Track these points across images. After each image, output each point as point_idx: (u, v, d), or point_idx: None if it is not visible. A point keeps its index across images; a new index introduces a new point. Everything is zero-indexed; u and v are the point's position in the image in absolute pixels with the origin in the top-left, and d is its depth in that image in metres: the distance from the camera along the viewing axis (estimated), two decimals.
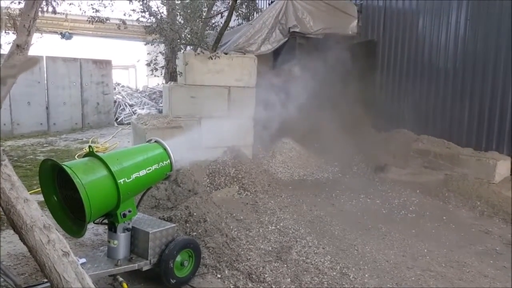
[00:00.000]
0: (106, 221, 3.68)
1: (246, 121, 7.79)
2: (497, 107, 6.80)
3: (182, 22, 8.07)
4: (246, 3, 9.52)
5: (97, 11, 8.60)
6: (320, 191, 7.08)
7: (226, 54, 7.76)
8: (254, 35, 8.16)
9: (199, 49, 7.48)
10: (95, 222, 3.55)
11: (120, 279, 3.59)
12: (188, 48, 8.22)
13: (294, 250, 4.60)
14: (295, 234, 5.10)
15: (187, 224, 4.88)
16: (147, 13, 7.78)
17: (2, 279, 2.87)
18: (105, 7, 9.05)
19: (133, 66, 31.53)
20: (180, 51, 7.86)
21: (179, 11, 8.11)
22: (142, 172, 3.60)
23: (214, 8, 9.66)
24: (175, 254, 3.76)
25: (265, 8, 10.58)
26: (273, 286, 3.88)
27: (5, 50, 3.36)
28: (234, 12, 8.27)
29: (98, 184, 3.25)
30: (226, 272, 4.10)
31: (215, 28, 9.70)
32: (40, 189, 3.45)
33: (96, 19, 8.51)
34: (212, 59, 7.38)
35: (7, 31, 7.84)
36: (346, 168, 8.33)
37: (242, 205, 6.13)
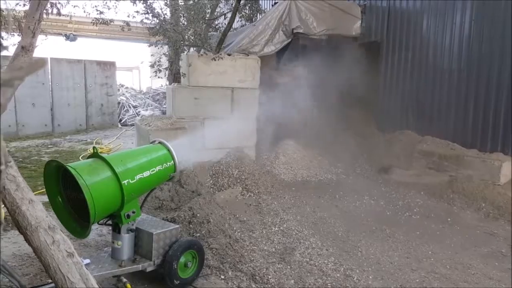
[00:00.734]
0: (110, 222, 3.69)
1: (249, 122, 7.79)
2: (502, 108, 6.76)
3: (185, 23, 8.10)
4: (249, 4, 9.53)
5: (101, 13, 8.65)
6: (323, 193, 7.07)
7: (229, 55, 7.77)
8: (258, 36, 8.16)
9: (202, 50, 7.50)
10: (99, 223, 3.56)
11: (124, 280, 3.59)
12: (192, 49, 8.24)
13: (297, 252, 4.59)
14: (299, 235, 5.09)
15: (191, 225, 4.88)
16: (150, 14, 7.82)
17: (7, 280, 2.88)
18: (109, 9, 9.10)
19: (137, 68, 31.60)
20: (184, 52, 7.88)
21: (183, 12, 8.14)
22: (146, 173, 3.61)
23: (218, 9, 9.68)
24: (178, 255, 3.76)
25: (268, 9, 10.58)
26: None
27: (11, 52, 3.38)
28: (237, 14, 8.28)
29: (102, 185, 3.26)
30: (230, 273, 4.10)
31: (218, 30, 9.71)
32: (44, 190, 3.46)
33: (100, 21, 8.56)
34: (215, 60, 7.39)
35: (12, 33, 7.89)
36: (349, 170, 8.31)
37: (246, 206, 6.12)
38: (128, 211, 3.57)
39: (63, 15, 7.80)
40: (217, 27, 9.98)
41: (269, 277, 4.02)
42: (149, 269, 3.70)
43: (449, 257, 4.71)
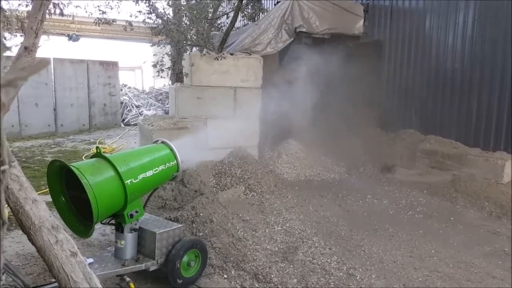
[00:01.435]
0: (113, 221, 3.70)
1: (252, 121, 7.79)
2: (505, 106, 6.73)
3: (188, 23, 8.10)
4: (251, 4, 9.53)
5: (103, 12, 8.66)
6: (326, 192, 7.06)
7: (232, 54, 7.77)
8: (260, 36, 8.15)
9: (205, 50, 7.50)
10: (102, 222, 3.57)
11: (127, 279, 3.61)
12: (194, 49, 8.24)
13: (300, 251, 4.59)
14: (302, 234, 5.09)
15: (194, 225, 4.89)
16: (153, 14, 7.83)
17: (11, 279, 2.90)
18: (111, 8, 9.12)
19: (140, 68, 31.66)
20: (186, 52, 7.89)
21: (185, 12, 8.14)
22: (149, 173, 3.62)
23: (220, 9, 9.68)
24: (181, 255, 3.77)
25: (271, 8, 10.58)
26: (280, 287, 3.87)
27: (14, 52, 3.39)
28: (240, 13, 8.28)
29: (105, 185, 3.27)
30: (233, 272, 4.10)
31: (221, 29, 9.71)
32: (48, 189, 3.47)
33: (103, 20, 8.57)
34: (218, 60, 7.39)
35: (15, 34, 7.92)
36: (352, 169, 8.30)
37: (248, 206, 6.12)
38: (131, 210, 3.58)
39: (66, 15, 7.83)
40: (219, 26, 9.99)
41: (272, 276, 4.02)
42: (152, 268, 3.71)
43: (452, 256, 4.70)
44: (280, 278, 4.00)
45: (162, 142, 4.04)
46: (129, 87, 23.40)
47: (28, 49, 3.05)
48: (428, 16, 8.07)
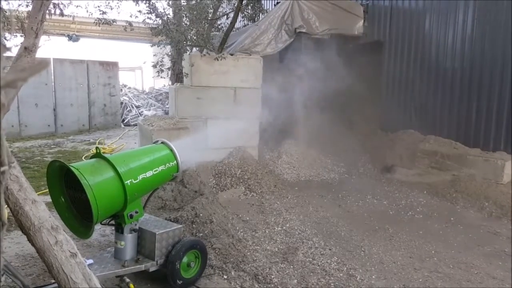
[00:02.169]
0: (113, 222, 3.69)
1: (252, 122, 7.79)
2: (505, 107, 6.73)
3: (188, 23, 8.10)
4: (251, 4, 9.53)
5: (103, 13, 8.66)
6: (326, 192, 7.06)
7: (232, 55, 7.77)
8: (260, 36, 8.15)
9: (205, 50, 7.50)
10: (102, 223, 3.56)
11: (127, 280, 3.60)
12: (194, 49, 8.24)
13: (300, 251, 4.59)
14: (302, 235, 5.09)
15: (194, 225, 4.89)
16: (153, 14, 7.82)
17: (10, 280, 2.89)
18: (111, 9, 9.12)
19: (140, 68, 31.68)
20: (186, 52, 7.88)
21: (185, 12, 8.14)
22: (149, 173, 3.61)
23: (220, 9, 9.68)
24: (181, 255, 3.76)
25: (270, 9, 10.58)
26: (280, 287, 3.87)
27: (13, 52, 3.39)
28: (240, 13, 8.27)
29: (105, 185, 3.27)
30: (233, 273, 4.10)
31: (221, 30, 9.71)
32: (47, 190, 3.47)
33: (103, 21, 8.57)
34: (218, 60, 7.39)
35: (15, 34, 7.91)
36: (352, 169, 8.30)
37: (248, 206, 6.12)
38: (131, 211, 3.58)
39: (66, 15, 7.82)
40: (219, 27, 9.99)
41: (272, 276, 4.02)
42: (152, 269, 3.71)
43: (452, 256, 4.70)
44: (280, 278, 4.00)
45: (162, 143, 4.03)
46: (129, 88, 23.40)
47: (28, 49, 3.04)
48: (427, 16, 8.08)
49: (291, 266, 4.26)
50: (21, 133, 13.01)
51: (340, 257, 4.54)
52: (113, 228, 3.76)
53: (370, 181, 7.73)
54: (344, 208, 6.34)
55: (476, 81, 7.19)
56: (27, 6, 8.06)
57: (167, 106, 17.45)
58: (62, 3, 7.11)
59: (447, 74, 7.70)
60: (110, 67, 15.87)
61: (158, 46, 8.67)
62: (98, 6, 8.76)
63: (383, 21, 9.04)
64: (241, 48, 8.06)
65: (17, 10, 8.58)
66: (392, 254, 4.72)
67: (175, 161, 3.90)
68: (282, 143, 8.45)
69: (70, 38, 19.59)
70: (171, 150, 3.93)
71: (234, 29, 8.41)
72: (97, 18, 8.63)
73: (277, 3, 9.82)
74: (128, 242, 3.67)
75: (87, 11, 10.32)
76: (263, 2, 10.91)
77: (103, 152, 3.55)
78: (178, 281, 3.75)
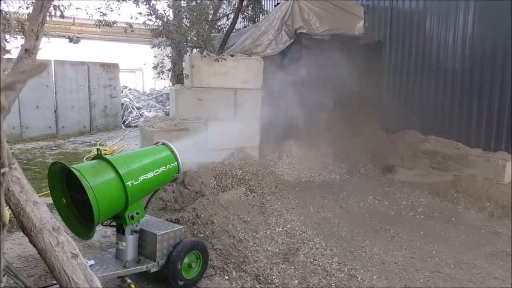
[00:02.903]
0: (114, 223, 3.70)
1: (253, 122, 7.80)
2: (506, 107, 6.73)
3: (188, 24, 8.11)
4: (252, 5, 9.54)
5: (104, 15, 8.67)
6: (327, 193, 7.06)
7: (232, 56, 7.77)
8: (260, 37, 8.16)
9: (205, 51, 7.51)
10: (103, 224, 3.57)
11: (129, 280, 3.61)
12: (195, 50, 8.25)
13: (301, 252, 4.59)
14: (303, 235, 5.08)
15: (195, 226, 4.89)
16: (153, 16, 7.83)
17: (12, 281, 2.90)
18: (111, 10, 9.12)
19: (140, 69, 31.68)
20: (187, 53, 7.90)
21: (185, 13, 8.15)
22: (150, 175, 3.62)
23: (220, 10, 9.70)
24: (182, 256, 3.77)
25: (271, 10, 10.59)
26: None
27: (14, 54, 3.40)
28: (240, 14, 8.29)
29: (106, 187, 3.27)
30: (234, 273, 4.10)
31: (221, 31, 9.72)
32: (49, 191, 3.47)
33: (103, 22, 8.58)
34: (218, 61, 7.40)
35: (15, 36, 7.93)
36: (353, 169, 8.29)
37: (249, 207, 6.12)
38: (132, 212, 3.58)
39: (66, 17, 7.83)
40: (220, 28, 10.00)
41: (273, 277, 4.02)
42: (153, 270, 3.71)
43: (453, 256, 4.70)
44: (281, 279, 4.00)
45: (162, 144, 4.04)
46: (130, 89, 23.41)
47: (29, 51, 3.05)
48: (428, 16, 8.07)
49: (292, 267, 4.26)
50: (22, 135, 13.03)
51: (341, 257, 4.54)
52: (114, 229, 3.77)
53: (371, 182, 7.73)
54: (345, 209, 6.33)
55: (477, 81, 7.18)
56: (27, 8, 8.07)
57: (167, 107, 17.46)
58: (62, 5, 7.11)
59: (448, 74, 7.70)
60: (111, 68, 15.88)
61: (158, 48, 8.67)
62: (99, 8, 8.74)
63: (384, 22, 9.03)
64: (241, 49, 8.07)
65: (17, 12, 8.60)
66: (393, 254, 4.71)
67: (176, 162, 3.91)
68: (282, 144, 8.45)
69: (71, 39, 19.63)
70: (172, 151, 3.94)
71: (234, 30, 8.43)
72: (98, 19, 8.64)
73: (277, 3, 9.83)
74: (130, 243, 3.67)
75: (87, 13, 10.31)
76: (263, 3, 10.91)
77: (104, 154, 3.56)
78: (179, 281, 3.75)
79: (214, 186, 6.78)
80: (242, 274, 4.09)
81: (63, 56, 16.08)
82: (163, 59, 8.16)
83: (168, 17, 8.21)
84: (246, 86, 7.81)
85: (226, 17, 9.78)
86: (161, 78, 8.55)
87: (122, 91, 19.26)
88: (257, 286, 3.91)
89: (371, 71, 8.63)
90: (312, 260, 4.43)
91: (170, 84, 10.51)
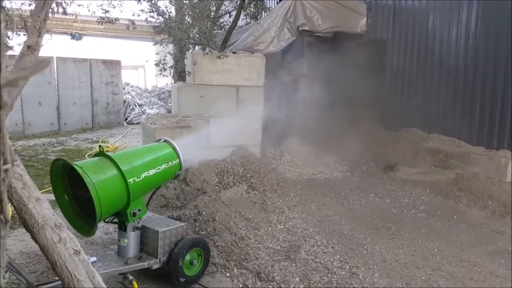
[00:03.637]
0: (116, 220, 3.70)
1: (255, 120, 7.79)
2: (508, 105, 6.70)
3: (190, 21, 8.09)
4: (254, 2, 9.50)
5: (106, 11, 8.65)
6: (329, 190, 7.06)
7: (234, 53, 7.76)
8: (262, 34, 8.14)
9: (207, 48, 7.50)
10: (105, 221, 3.58)
11: (130, 277, 3.61)
12: (197, 47, 8.24)
13: (303, 249, 4.59)
14: (304, 233, 5.09)
15: (196, 223, 4.90)
16: (155, 13, 7.82)
17: (14, 277, 2.91)
18: (114, 7, 9.11)
19: (142, 66, 31.64)
20: (189, 50, 7.89)
21: (187, 10, 8.12)
22: (152, 172, 3.62)
23: (222, 7, 9.66)
24: (184, 253, 3.77)
25: (273, 7, 10.56)
26: (282, 285, 3.87)
27: (17, 51, 3.40)
28: (242, 12, 8.26)
29: (108, 183, 3.28)
30: (235, 271, 4.11)
31: (223, 28, 9.70)
32: (51, 188, 3.48)
33: (106, 19, 8.57)
34: (220, 58, 7.39)
35: (18, 32, 7.93)
36: (355, 167, 8.29)
37: (251, 204, 6.13)
38: (134, 209, 3.59)
39: (69, 14, 7.84)
40: (222, 25, 9.97)
41: (275, 274, 4.02)
42: (155, 266, 3.72)
43: (455, 254, 4.69)
44: (283, 276, 4.01)
45: (164, 141, 4.04)
46: (132, 86, 23.40)
47: (31, 48, 3.06)
48: (431, 14, 8.04)
49: (294, 264, 4.27)
50: (25, 132, 13.06)
51: (343, 255, 4.54)
52: (116, 226, 3.78)
53: (373, 180, 7.72)
54: (347, 207, 6.33)
55: (479, 79, 7.15)
56: (30, 5, 8.07)
57: (169, 104, 17.46)
58: (65, 2, 7.12)
59: (450, 72, 7.67)
60: (113, 65, 15.88)
61: (160, 45, 8.67)
62: (101, 5, 8.73)
63: (386, 19, 9.00)
64: (243, 46, 8.05)
65: (20, 8, 8.60)
66: (395, 252, 4.71)
67: (177, 160, 3.91)
68: (284, 142, 8.45)
69: (73, 36, 19.62)
70: (174, 148, 3.94)
71: (236, 27, 8.40)
72: (100, 16, 8.62)
73: (280, 1, 9.81)
74: (131, 240, 3.68)
75: (89, 10, 10.29)
76: (265, 0, 10.89)
77: (106, 151, 3.56)
78: (181, 278, 3.76)
79: (216, 183, 6.79)
80: (244, 271, 4.09)
81: (66, 53, 16.09)
82: (165, 56, 8.16)
83: (170, 14, 8.20)
84: (248, 83, 7.80)
85: (228, 14, 9.75)
86: (163, 75, 8.55)
87: (124, 88, 19.27)
88: (259, 283, 3.92)
89: (373, 68, 8.61)
90: (313, 257, 4.44)
91: (172, 81, 10.50)
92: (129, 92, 20.33)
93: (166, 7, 8.23)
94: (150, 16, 7.95)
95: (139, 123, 14.08)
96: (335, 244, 4.84)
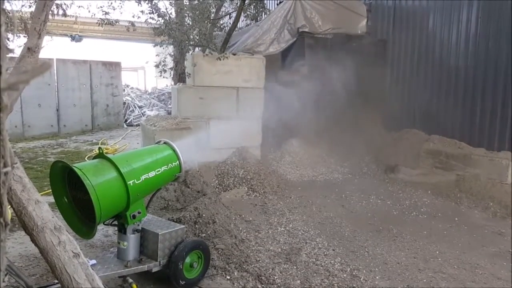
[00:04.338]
0: (116, 222, 3.69)
1: (255, 121, 7.78)
2: (509, 106, 6.69)
3: (190, 23, 8.08)
4: (254, 4, 9.50)
5: (106, 13, 8.64)
6: (330, 192, 7.04)
7: (234, 55, 7.75)
8: (263, 36, 8.14)
9: (207, 50, 7.49)
10: (105, 223, 3.56)
11: (130, 280, 3.59)
12: (197, 49, 8.23)
13: (303, 252, 4.57)
14: (305, 235, 5.07)
15: (196, 226, 4.88)
16: (155, 14, 7.81)
17: (14, 280, 2.89)
18: (114, 9, 9.09)
19: (142, 68, 31.67)
20: (189, 52, 7.87)
21: (188, 12, 8.12)
22: (151, 174, 3.61)
23: (222, 9, 9.66)
24: (184, 256, 3.75)
25: (273, 8, 10.56)
26: None
27: (17, 53, 3.39)
28: (242, 13, 8.26)
29: (108, 186, 3.26)
30: (235, 273, 4.09)
31: (223, 29, 9.70)
32: (50, 190, 3.47)
33: (106, 21, 8.55)
34: (220, 60, 7.38)
35: (18, 34, 7.92)
36: (356, 169, 8.27)
37: (251, 206, 6.11)
38: (134, 211, 3.57)
39: (69, 16, 7.82)
40: (222, 26, 9.97)
41: (275, 277, 4.00)
42: (155, 269, 3.70)
43: (456, 256, 4.68)
44: (283, 279, 3.99)
45: (164, 143, 4.03)
46: (132, 88, 23.40)
47: (31, 50, 3.04)
48: (431, 15, 8.04)
49: (294, 267, 4.25)
50: (24, 134, 13.03)
51: (344, 257, 4.52)
52: (116, 228, 3.76)
53: (374, 181, 7.71)
54: (348, 208, 6.31)
55: (480, 80, 7.15)
56: (30, 6, 8.07)
57: (169, 106, 17.46)
58: (65, 4, 7.11)
59: (451, 73, 7.67)
60: (113, 67, 15.87)
61: (160, 46, 8.67)
62: (101, 7, 8.72)
63: (387, 20, 9.01)
64: (243, 48, 8.05)
65: (20, 10, 8.59)
66: (396, 254, 4.69)
67: (177, 162, 3.89)
68: (284, 143, 8.43)
69: (73, 38, 19.61)
70: (174, 150, 3.92)
71: (236, 29, 8.40)
72: (100, 18, 8.61)
73: (280, 2, 9.80)
74: (131, 242, 3.66)
75: (89, 11, 10.29)
76: (265, 1, 10.89)
77: (106, 153, 3.55)
78: (181, 281, 3.74)
79: (216, 185, 6.77)
80: (244, 274, 4.07)
81: (65, 55, 16.07)
82: (165, 58, 8.15)
83: (170, 16, 8.19)
84: (248, 85, 7.80)
85: (228, 15, 9.75)
86: (163, 77, 8.54)
87: (124, 90, 19.26)
88: (259, 286, 3.90)
89: (374, 70, 8.60)
90: (314, 260, 4.42)
91: (172, 83, 10.50)
92: (129, 94, 20.32)
93: (166, 8, 8.22)
94: (150, 18, 7.94)
95: (139, 125, 14.08)
96: (336, 246, 4.82)
